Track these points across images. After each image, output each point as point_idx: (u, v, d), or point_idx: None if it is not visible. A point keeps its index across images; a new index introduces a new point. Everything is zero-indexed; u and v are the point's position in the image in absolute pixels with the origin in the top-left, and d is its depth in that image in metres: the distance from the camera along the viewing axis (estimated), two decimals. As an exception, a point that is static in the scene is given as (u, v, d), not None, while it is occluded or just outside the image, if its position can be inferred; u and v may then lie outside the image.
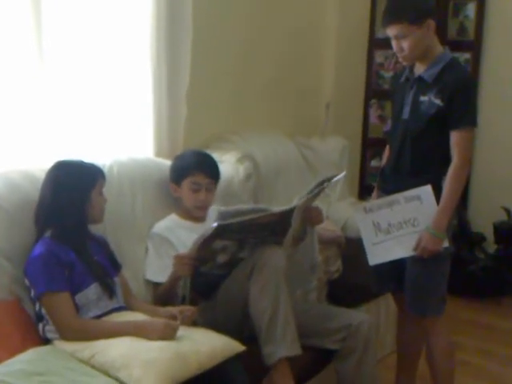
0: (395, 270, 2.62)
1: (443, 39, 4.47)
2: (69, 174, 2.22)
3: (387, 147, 2.74)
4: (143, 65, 2.91)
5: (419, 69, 2.52)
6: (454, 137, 2.43)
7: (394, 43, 2.47)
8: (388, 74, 4.39)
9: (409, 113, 2.52)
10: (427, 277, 2.54)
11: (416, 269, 2.54)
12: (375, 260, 2.58)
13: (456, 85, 2.42)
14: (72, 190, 2.19)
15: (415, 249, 2.47)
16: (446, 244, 2.46)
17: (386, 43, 4.30)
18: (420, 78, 2.49)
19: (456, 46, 4.46)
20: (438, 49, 2.49)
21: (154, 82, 2.93)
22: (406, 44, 2.42)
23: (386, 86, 4.41)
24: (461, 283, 4.06)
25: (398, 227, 2.51)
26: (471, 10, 4.42)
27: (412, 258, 2.51)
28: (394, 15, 2.44)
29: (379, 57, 4.41)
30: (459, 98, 2.41)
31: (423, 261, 2.49)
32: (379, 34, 4.37)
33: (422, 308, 2.60)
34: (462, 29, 4.45)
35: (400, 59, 2.52)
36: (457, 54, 4.43)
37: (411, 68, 2.56)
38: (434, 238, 2.43)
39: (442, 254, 2.50)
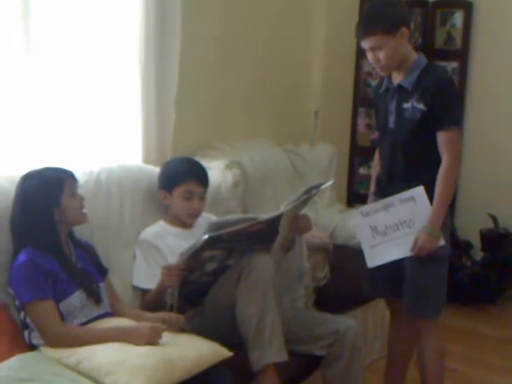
0: (389, 274, 2.63)
1: (431, 48, 4.52)
2: (33, 186, 2.20)
3: (376, 156, 2.77)
4: (132, 72, 2.91)
5: (397, 77, 2.54)
6: (441, 138, 2.47)
7: (369, 55, 2.49)
8: (376, 83, 4.42)
9: (394, 121, 2.55)
10: (428, 278, 2.56)
11: (416, 271, 2.55)
12: (373, 262, 2.60)
13: (436, 87, 2.45)
14: (39, 201, 2.17)
15: (412, 249, 2.49)
16: (442, 242, 2.49)
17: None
18: (400, 87, 2.52)
19: (443, 54, 4.51)
20: (413, 56, 2.53)
21: (142, 88, 2.94)
22: (382, 54, 2.45)
23: (374, 95, 4.44)
24: (448, 290, 4.07)
25: (395, 229, 2.54)
26: (458, 18, 4.46)
27: (411, 260, 2.53)
28: (367, 27, 2.46)
29: (367, 65, 4.43)
30: (441, 100, 2.45)
31: (423, 262, 2.51)
32: (367, 43, 4.41)
33: (423, 310, 2.60)
34: (450, 38, 4.49)
35: (378, 70, 2.55)
36: (444, 63, 4.47)
37: (389, 78, 2.58)
38: (431, 237, 2.46)
39: (440, 254, 2.53)
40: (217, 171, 3.01)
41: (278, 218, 2.36)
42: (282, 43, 3.90)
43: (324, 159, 3.87)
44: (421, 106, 2.46)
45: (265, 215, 2.34)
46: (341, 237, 3.61)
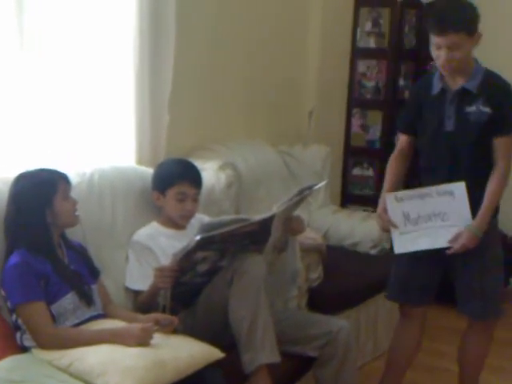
0: (424, 282, 2.67)
1: (424, 49, 4.52)
2: (26, 187, 2.20)
3: (394, 163, 2.71)
4: (126, 73, 2.91)
5: (457, 81, 2.50)
6: (500, 142, 2.49)
7: (441, 53, 2.41)
8: (370, 84, 4.43)
9: (454, 125, 2.52)
10: (496, 280, 2.63)
11: (489, 275, 2.59)
12: (401, 249, 2.60)
13: (503, 91, 2.49)
14: (32, 202, 2.17)
15: (452, 243, 2.49)
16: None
17: (367, 53, 4.39)
18: (463, 90, 2.49)
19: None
20: (473, 59, 2.52)
21: (136, 89, 2.93)
22: (458, 54, 2.39)
23: (369, 96, 4.45)
24: (441, 291, 4.07)
25: (427, 219, 2.55)
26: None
27: (477, 267, 2.55)
28: (453, 24, 2.38)
29: (361, 66, 4.45)
30: (506, 104, 2.48)
31: (493, 266, 2.58)
32: (361, 44, 4.42)
33: (496, 310, 2.66)
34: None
35: (442, 69, 2.46)
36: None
37: (443, 80, 2.52)
38: (475, 237, 2.48)
39: (501, 254, 2.62)
40: (210, 172, 3.01)
41: (271, 218, 2.37)
42: (277, 44, 3.90)
43: (318, 160, 3.87)
44: (487, 110, 2.46)
45: (257, 216, 2.34)
46: (334, 238, 3.63)
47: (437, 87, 2.54)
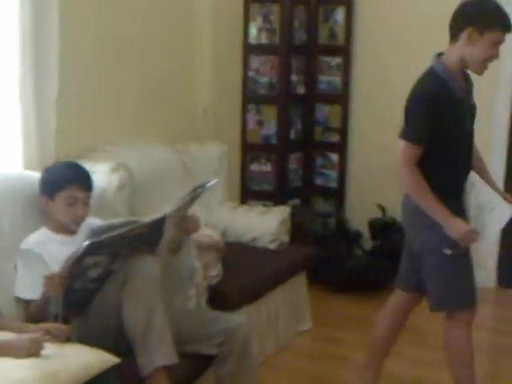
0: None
1: (315, 44, 4.62)
2: None
3: (419, 177, 2.52)
4: (8, 73, 2.81)
5: (461, 78, 2.60)
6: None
7: (495, 50, 2.50)
8: (264, 79, 4.47)
9: (469, 122, 2.65)
10: None
11: None
12: (492, 238, 2.78)
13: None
14: None
15: None
16: None
17: (260, 49, 4.43)
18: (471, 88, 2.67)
19: (327, 50, 4.62)
20: None
21: (20, 89, 2.83)
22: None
23: (263, 91, 4.49)
24: (340, 280, 4.19)
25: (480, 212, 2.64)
26: (340, 15, 4.57)
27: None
28: None
29: (254, 62, 4.48)
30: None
31: None
32: (253, 40, 4.45)
33: None
34: (332, 34, 4.60)
35: (484, 67, 2.54)
36: (328, 59, 4.60)
37: (459, 81, 2.58)
38: None
39: None
40: (101, 174, 2.93)
41: (162, 220, 2.35)
42: (169, 42, 3.87)
43: (215, 158, 3.87)
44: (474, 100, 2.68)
45: (147, 218, 2.32)
46: (233, 234, 3.64)
47: (459, 89, 2.57)
